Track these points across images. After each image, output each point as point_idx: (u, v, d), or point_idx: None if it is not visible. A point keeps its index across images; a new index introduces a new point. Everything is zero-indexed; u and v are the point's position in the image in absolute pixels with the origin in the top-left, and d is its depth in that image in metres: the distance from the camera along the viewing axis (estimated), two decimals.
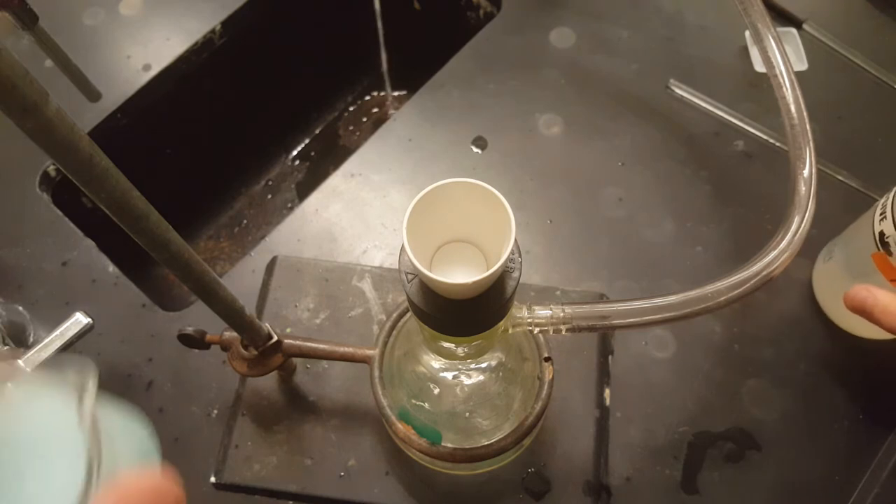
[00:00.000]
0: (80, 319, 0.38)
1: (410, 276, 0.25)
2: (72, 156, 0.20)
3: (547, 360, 0.36)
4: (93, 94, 0.45)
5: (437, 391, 0.35)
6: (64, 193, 0.52)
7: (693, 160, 0.52)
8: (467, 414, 0.35)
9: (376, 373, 0.36)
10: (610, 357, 0.44)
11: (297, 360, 0.43)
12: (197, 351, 0.38)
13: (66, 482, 0.16)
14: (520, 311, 0.30)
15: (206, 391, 0.43)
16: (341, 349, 0.38)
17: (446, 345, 0.29)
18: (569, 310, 0.30)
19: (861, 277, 0.41)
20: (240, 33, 0.61)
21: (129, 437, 0.20)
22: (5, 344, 0.40)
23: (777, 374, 0.44)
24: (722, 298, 0.31)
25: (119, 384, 0.44)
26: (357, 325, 0.45)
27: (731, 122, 0.53)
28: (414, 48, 0.75)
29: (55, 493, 0.17)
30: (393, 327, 0.37)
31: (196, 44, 0.58)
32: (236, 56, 0.62)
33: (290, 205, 0.73)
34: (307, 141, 0.76)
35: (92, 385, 0.17)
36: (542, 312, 0.30)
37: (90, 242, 0.49)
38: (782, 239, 0.33)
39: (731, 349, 0.45)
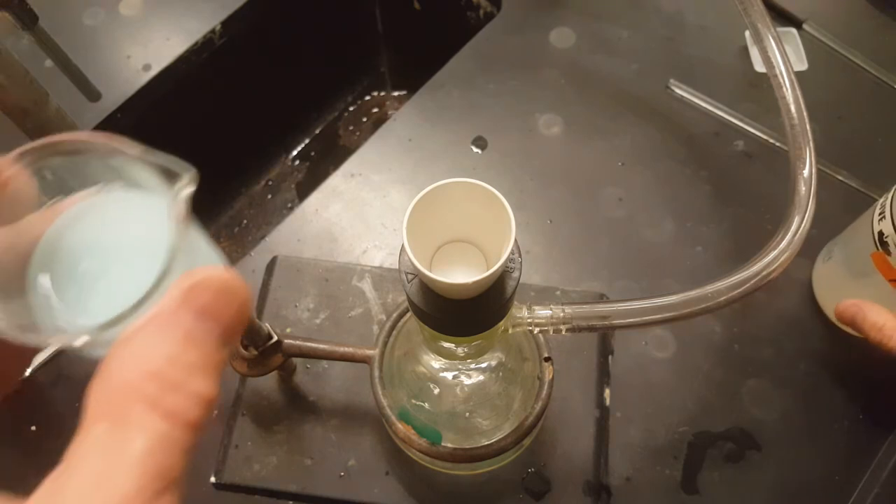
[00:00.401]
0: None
1: (410, 276, 0.25)
2: None
3: (547, 360, 0.36)
4: (93, 94, 0.45)
5: (437, 391, 0.35)
6: None
7: (693, 160, 0.52)
8: (467, 414, 0.35)
9: (376, 373, 0.36)
10: (610, 357, 0.44)
11: (297, 360, 0.43)
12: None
13: (145, 272, 0.17)
14: (520, 311, 0.30)
15: None
16: (341, 349, 0.38)
17: (446, 345, 0.29)
18: (569, 310, 0.30)
19: (860, 277, 0.41)
20: (240, 33, 0.61)
21: (209, 251, 0.20)
22: None
23: (777, 374, 0.44)
24: (722, 298, 0.31)
25: None
26: (357, 325, 0.45)
27: (731, 122, 0.53)
28: (414, 48, 0.75)
29: (135, 279, 0.17)
30: (393, 327, 0.37)
31: (196, 44, 0.58)
32: (236, 56, 0.62)
33: (290, 205, 0.73)
34: (307, 141, 0.76)
35: (190, 183, 0.17)
36: (542, 312, 0.30)
37: None
38: (782, 239, 0.33)
39: (731, 349, 0.45)
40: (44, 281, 0.18)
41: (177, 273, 0.16)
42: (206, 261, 0.20)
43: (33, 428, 0.42)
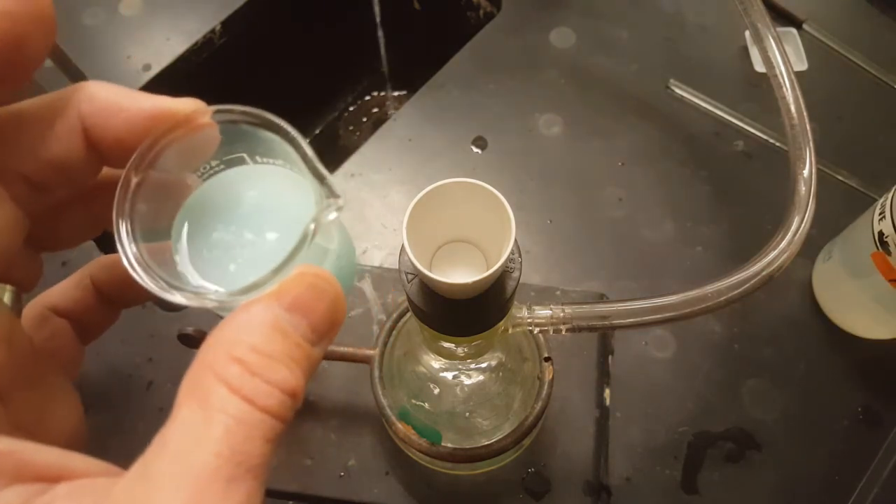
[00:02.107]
0: None
1: (410, 276, 0.25)
2: None
3: (547, 360, 0.36)
4: None
5: (437, 391, 0.35)
6: None
7: (693, 160, 0.52)
8: (467, 414, 0.35)
9: (376, 373, 0.36)
10: (610, 357, 0.44)
11: None
12: (197, 351, 0.38)
13: (269, 257, 0.18)
14: (520, 311, 0.30)
15: None
16: (341, 349, 0.38)
17: (446, 345, 0.29)
18: (569, 310, 0.30)
19: (860, 277, 0.41)
20: (240, 33, 0.61)
21: (345, 241, 0.21)
22: None
23: (777, 374, 0.44)
24: (722, 298, 0.31)
25: (119, 384, 0.44)
26: (357, 325, 0.45)
27: (731, 122, 0.53)
28: (414, 48, 0.75)
29: (258, 260, 0.19)
30: (393, 327, 0.37)
31: (196, 44, 0.58)
32: (236, 56, 0.62)
33: None
34: (307, 141, 0.76)
35: (339, 209, 0.18)
36: (542, 312, 0.30)
37: (90, 242, 0.49)
38: (782, 239, 0.33)
39: (731, 349, 0.45)
40: (182, 236, 0.19)
41: (293, 267, 0.17)
42: (336, 255, 0.20)
43: None
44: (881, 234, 0.38)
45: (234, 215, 0.19)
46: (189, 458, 0.14)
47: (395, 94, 0.81)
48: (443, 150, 0.53)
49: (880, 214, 0.38)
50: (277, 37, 0.67)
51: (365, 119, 0.79)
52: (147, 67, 0.56)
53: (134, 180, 0.17)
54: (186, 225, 0.19)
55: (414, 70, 0.67)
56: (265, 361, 0.15)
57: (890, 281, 0.38)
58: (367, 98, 0.80)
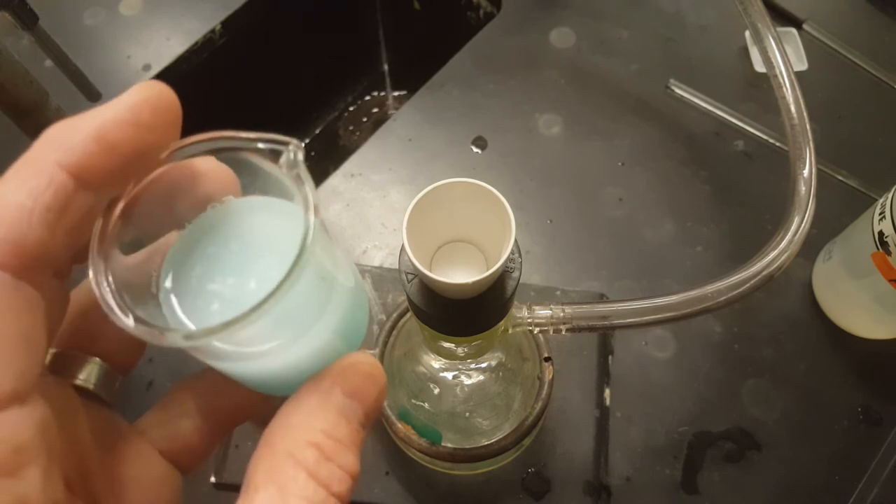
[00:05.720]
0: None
1: (410, 276, 0.25)
2: None
3: (547, 360, 0.36)
4: (93, 94, 0.45)
5: (437, 391, 0.35)
6: None
7: (693, 160, 0.52)
8: (467, 414, 0.35)
9: None
10: (610, 357, 0.44)
11: None
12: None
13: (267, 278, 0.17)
14: (520, 311, 0.30)
15: None
16: None
17: (446, 345, 0.29)
18: (569, 310, 0.30)
19: (860, 277, 0.41)
20: (240, 33, 0.61)
21: (345, 268, 0.20)
22: None
23: (777, 374, 0.44)
24: (722, 298, 0.31)
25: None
26: None
27: (731, 122, 0.53)
28: (414, 48, 0.75)
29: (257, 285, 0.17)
30: (393, 327, 0.37)
31: (196, 44, 0.58)
32: (236, 56, 0.62)
33: None
34: (307, 141, 0.76)
35: (297, 151, 0.16)
36: (542, 312, 0.30)
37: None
38: (782, 239, 0.33)
39: (731, 349, 0.45)
40: (167, 281, 0.18)
41: (300, 279, 0.15)
42: (343, 275, 0.19)
43: None
44: (881, 234, 0.38)
45: (214, 256, 0.18)
46: None
47: (395, 94, 0.81)
48: (443, 150, 0.53)
49: (880, 214, 0.38)
50: (277, 37, 0.67)
51: (365, 119, 0.79)
52: (147, 67, 0.56)
53: (113, 221, 0.16)
54: (170, 274, 0.18)
55: (414, 70, 0.67)
56: (337, 446, 0.16)
57: (890, 281, 0.38)
58: (367, 98, 0.80)
